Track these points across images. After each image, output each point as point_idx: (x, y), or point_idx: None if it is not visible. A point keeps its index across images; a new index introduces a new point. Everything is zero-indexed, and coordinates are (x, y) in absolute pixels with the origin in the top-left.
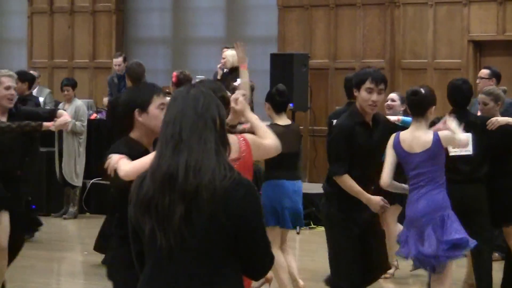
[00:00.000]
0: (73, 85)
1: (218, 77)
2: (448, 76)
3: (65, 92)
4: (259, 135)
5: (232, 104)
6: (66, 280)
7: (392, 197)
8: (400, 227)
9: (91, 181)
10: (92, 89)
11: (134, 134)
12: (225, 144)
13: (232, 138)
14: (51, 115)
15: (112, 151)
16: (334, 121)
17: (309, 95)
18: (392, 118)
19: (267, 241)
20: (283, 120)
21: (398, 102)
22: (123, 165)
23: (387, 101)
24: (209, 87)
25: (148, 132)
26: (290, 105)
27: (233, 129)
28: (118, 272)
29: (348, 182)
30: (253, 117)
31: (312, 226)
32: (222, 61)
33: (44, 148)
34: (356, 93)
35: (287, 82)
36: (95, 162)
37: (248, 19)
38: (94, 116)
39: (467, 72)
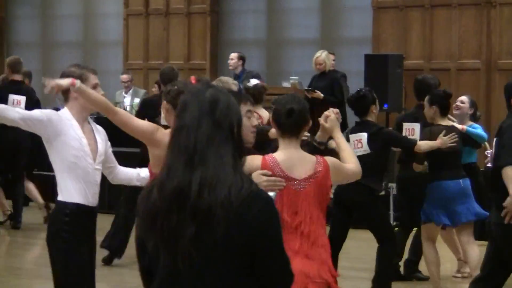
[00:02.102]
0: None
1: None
2: None
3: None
4: (342, 157)
5: (322, 121)
6: None
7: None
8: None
9: None
10: None
11: None
12: (242, 154)
13: (309, 156)
14: None
15: None
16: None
17: (403, 96)
18: (458, 126)
19: (286, 259)
20: (446, 121)
21: (467, 105)
22: None
23: (457, 102)
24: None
25: None
26: (384, 106)
27: (321, 146)
28: None
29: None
30: (341, 138)
31: None
32: (319, 66)
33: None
34: None
35: (381, 83)
36: None
37: (343, 20)
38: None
39: None
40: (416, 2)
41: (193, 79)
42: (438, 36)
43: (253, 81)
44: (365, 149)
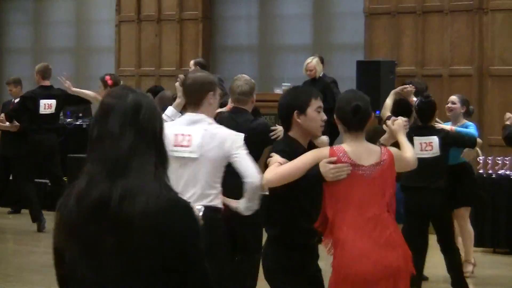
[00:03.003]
0: (157, 92)
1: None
2: None
3: None
4: (402, 148)
5: (389, 123)
6: None
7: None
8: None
9: None
10: None
11: (292, 134)
12: (165, 161)
13: (374, 147)
14: None
15: (274, 148)
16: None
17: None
18: (446, 127)
19: (206, 270)
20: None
21: (458, 105)
22: (267, 173)
23: (448, 103)
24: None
25: (305, 133)
26: (376, 112)
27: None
28: (277, 275)
29: None
30: (404, 139)
31: None
32: (310, 72)
33: None
34: None
35: (374, 89)
36: None
37: (335, 26)
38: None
39: None
40: (408, 9)
41: (108, 78)
42: (430, 42)
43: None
44: (435, 151)
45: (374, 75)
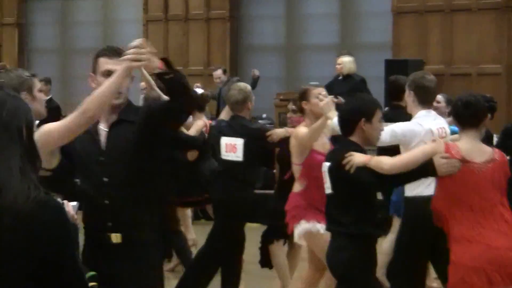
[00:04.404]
0: None
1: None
2: None
3: None
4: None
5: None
6: None
7: None
8: None
9: None
10: None
11: (353, 139)
12: (34, 158)
13: (487, 147)
14: None
15: (342, 152)
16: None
17: None
18: None
19: (79, 271)
20: None
21: (443, 104)
22: (384, 161)
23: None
24: None
25: (364, 140)
26: None
27: None
28: (359, 267)
29: None
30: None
31: None
32: (338, 67)
33: None
34: None
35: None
36: None
37: (362, 26)
38: (209, 122)
39: None
40: (435, 7)
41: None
42: (458, 41)
43: (199, 91)
44: None
45: (402, 74)
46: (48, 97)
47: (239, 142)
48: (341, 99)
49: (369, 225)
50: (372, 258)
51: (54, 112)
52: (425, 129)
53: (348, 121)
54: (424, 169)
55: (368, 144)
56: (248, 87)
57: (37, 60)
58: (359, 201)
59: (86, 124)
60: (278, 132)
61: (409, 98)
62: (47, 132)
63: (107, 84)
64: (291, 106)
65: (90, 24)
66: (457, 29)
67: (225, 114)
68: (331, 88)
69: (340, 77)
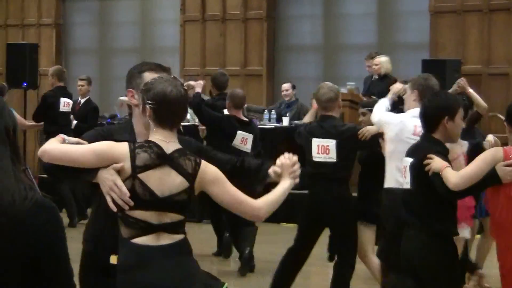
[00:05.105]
0: None
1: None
2: None
3: None
4: None
5: None
6: None
7: None
8: None
9: None
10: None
11: (436, 135)
12: (19, 157)
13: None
14: None
15: (426, 150)
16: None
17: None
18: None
19: (70, 272)
20: None
21: None
22: (452, 177)
23: None
24: None
25: (447, 137)
26: None
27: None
28: (449, 266)
29: None
30: None
31: None
32: (376, 67)
33: None
34: None
35: (439, 88)
36: None
37: (400, 25)
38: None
39: None
40: (474, 7)
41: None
42: (496, 41)
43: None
44: None
45: (439, 74)
46: (86, 98)
47: (331, 143)
48: (376, 99)
49: (450, 224)
50: (456, 256)
51: (92, 113)
52: (400, 120)
53: (432, 118)
54: (490, 179)
55: (450, 141)
56: (336, 86)
57: (74, 60)
58: (439, 200)
59: None
60: (370, 129)
61: (410, 97)
62: None
63: (281, 191)
64: (361, 109)
65: (128, 24)
66: (495, 29)
67: (308, 117)
68: (368, 89)
69: (376, 77)
